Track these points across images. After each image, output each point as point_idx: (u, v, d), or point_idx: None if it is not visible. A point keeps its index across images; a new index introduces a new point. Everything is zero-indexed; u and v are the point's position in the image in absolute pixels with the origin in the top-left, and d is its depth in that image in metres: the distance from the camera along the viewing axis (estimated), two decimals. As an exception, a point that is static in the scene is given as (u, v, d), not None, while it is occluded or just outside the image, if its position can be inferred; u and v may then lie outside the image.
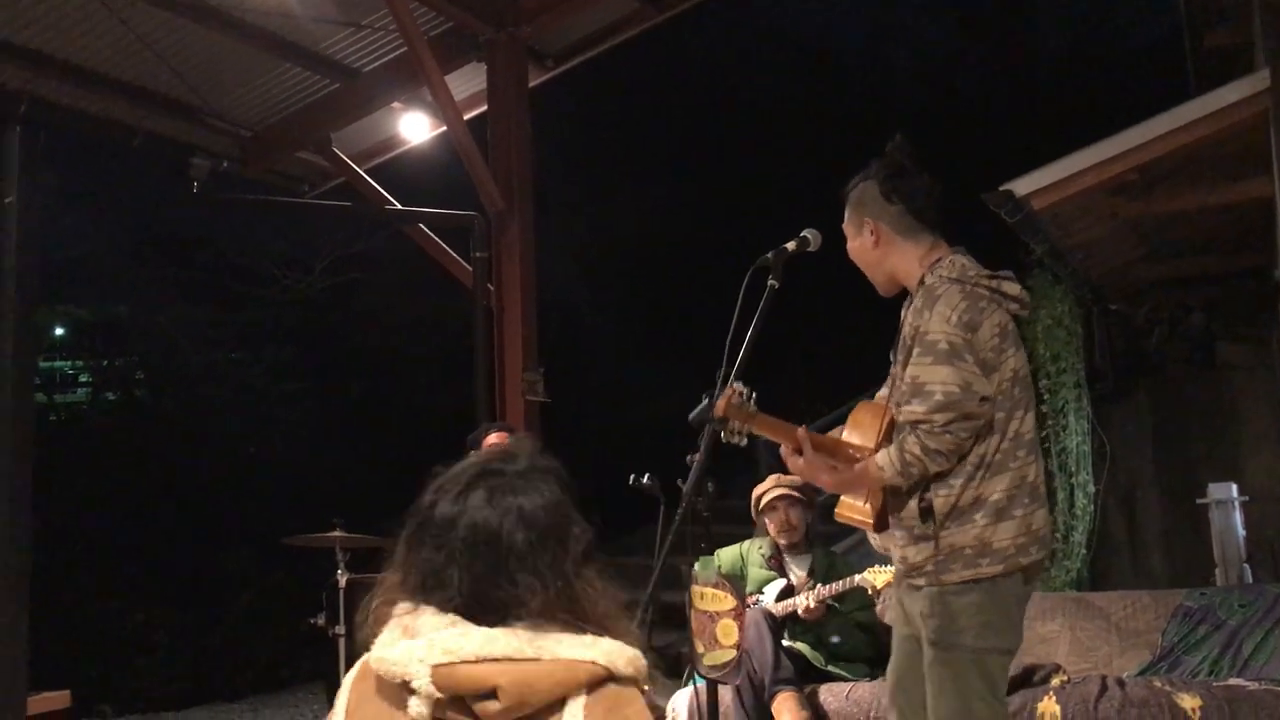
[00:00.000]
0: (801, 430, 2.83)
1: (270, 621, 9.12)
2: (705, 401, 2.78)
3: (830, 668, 4.59)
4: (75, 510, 9.47)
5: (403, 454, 10.91)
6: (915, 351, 2.73)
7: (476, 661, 1.50)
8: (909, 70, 13.16)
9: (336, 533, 5.20)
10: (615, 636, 1.59)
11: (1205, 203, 6.41)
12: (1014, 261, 7.61)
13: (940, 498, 2.73)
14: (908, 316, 2.89)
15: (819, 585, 4.60)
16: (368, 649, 1.62)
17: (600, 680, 1.53)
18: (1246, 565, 6.87)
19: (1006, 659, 2.82)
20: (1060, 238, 6.64)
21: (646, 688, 1.61)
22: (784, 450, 2.86)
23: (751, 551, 4.93)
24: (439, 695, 1.49)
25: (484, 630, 1.53)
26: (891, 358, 3.01)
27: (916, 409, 2.68)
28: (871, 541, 3.05)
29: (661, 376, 11.08)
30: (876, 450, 2.81)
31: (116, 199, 10.30)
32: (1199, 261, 8.18)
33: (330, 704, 4.82)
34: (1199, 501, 7.14)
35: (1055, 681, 4.18)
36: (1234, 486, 7.00)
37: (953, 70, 13.20)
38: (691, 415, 2.79)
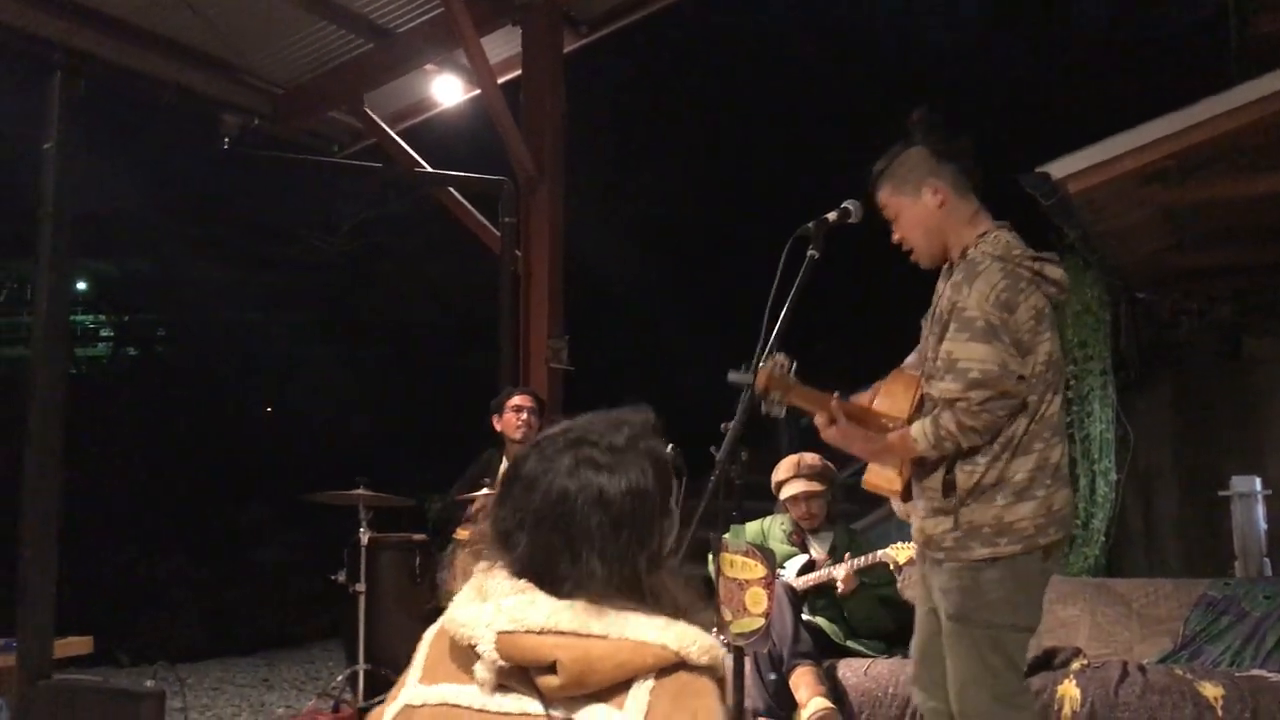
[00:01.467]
0: (835, 400, 2.83)
1: (288, 578, 9.19)
2: (744, 369, 2.76)
3: (850, 643, 4.60)
4: (95, 463, 9.53)
5: (426, 417, 10.99)
6: (952, 327, 2.72)
7: (540, 633, 1.46)
8: (943, 47, 13.03)
9: (360, 491, 5.22)
10: (674, 616, 1.53)
11: (1240, 192, 6.35)
12: (1044, 246, 7.59)
13: (964, 474, 2.74)
14: (944, 289, 2.87)
15: (851, 558, 4.60)
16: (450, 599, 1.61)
17: (671, 666, 1.47)
18: (1266, 559, 6.84)
19: (1025, 636, 2.84)
20: (1093, 223, 6.58)
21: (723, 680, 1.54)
22: (818, 419, 2.86)
23: (773, 527, 4.93)
24: (502, 663, 1.47)
25: (552, 601, 1.49)
26: (924, 326, 3.01)
27: (951, 386, 2.67)
28: (895, 509, 3.06)
29: (688, 349, 11.08)
30: (909, 421, 2.81)
31: (144, 153, 10.30)
32: (1228, 252, 8.10)
33: (349, 660, 4.85)
34: (1221, 494, 7.10)
35: (1075, 665, 4.17)
36: (1258, 480, 6.97)
37: (987, 48, 13.08)
38: (731, 376, 2.76)
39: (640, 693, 1.45)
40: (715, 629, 4.83)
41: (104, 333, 15.22)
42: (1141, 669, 4.05)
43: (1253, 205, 6.62)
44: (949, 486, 2.76)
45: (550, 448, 1.58)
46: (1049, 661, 4.22)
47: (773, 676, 4.35)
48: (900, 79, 12.05)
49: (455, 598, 1.58)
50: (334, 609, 6.40)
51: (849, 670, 4.37)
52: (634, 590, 1.52)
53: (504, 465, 5.51)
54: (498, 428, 5.49)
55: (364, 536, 5.20)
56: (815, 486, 4.72)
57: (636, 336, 11.42)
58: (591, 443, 1.57)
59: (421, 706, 1.53)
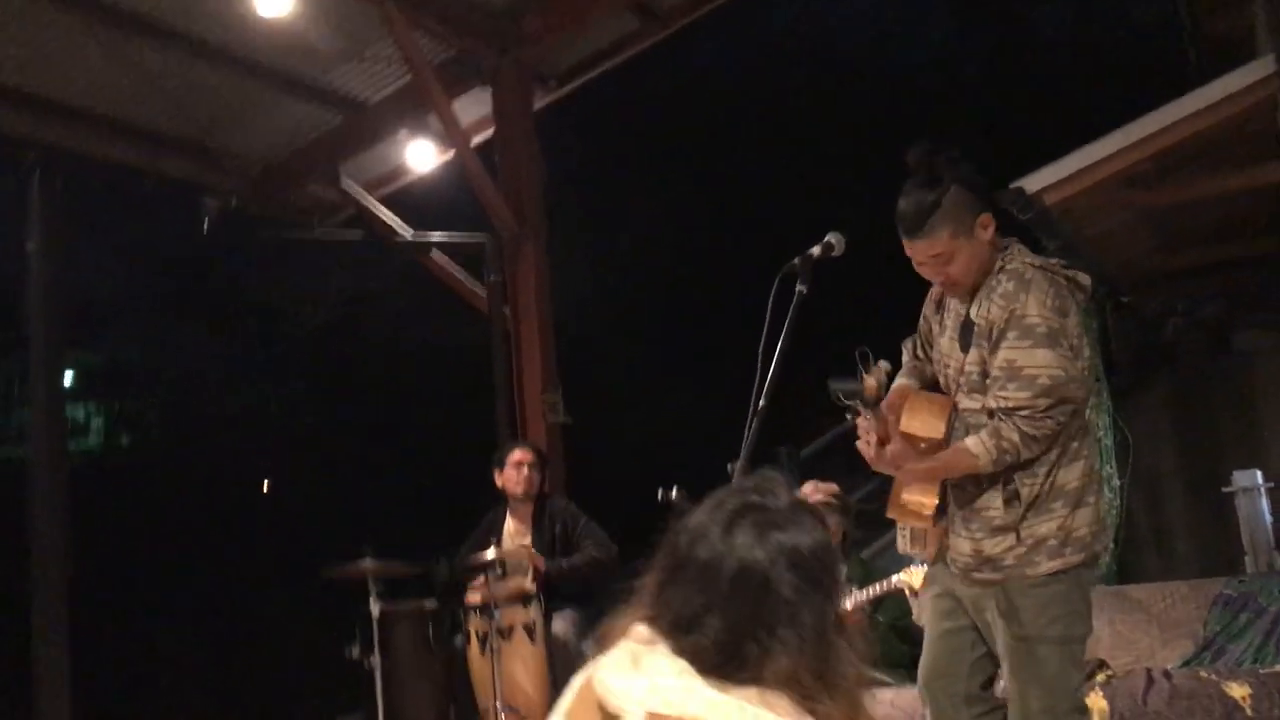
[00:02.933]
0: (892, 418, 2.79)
1: (302, 657, 9.10)
2: (846, 379, 2.71)
3: (879, 675, 4.56)
4: (95, 555, 9.46)
5: (425, 482, 10.96)
6: (1011, 335, 2.68)
7: None
8: (909, 70, 13.17)
9: (367, 563, 5.17)
10: (855, 712, 1.45)
11: (1217, 190, 6.41)
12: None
13: (1026, 486, 2.70)
14: (977, 305, 2.80)
15: (855, 590, 4.57)
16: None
17: None
18: (1276, 552, 6.81)
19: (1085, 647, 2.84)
20: (1073, 232, 6.63)
21: None
22: (866, 440, 2.80)
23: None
24: None
25: (711, 691, 1.40)
26: (908, 349, 3.05)
27: (1018, 394, 2.63)
28: (901, 545, 3.01)
29: (678, 391, 11.08)
30: (946, 441, 2.78)
31: (125, 241, 10.33)
32: (1211, 250, 8.16)
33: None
34: (1224, 490, 7.09)
35: (1100, 677, 4.15)
36: (1259, 473, 6.95)
37: (952, 69, 13.22)
38: (836, 386, 2.71)
39: None
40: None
41: (94, 423, 15.16)
42: (1166, 674, 4.03)
43: (1230, 201, 6.69)
44: (1011, 502, 2.71)
45: (717, 523, 1.48)
46: (1073, 675, 4.20)
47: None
48: (869, 109, 12.17)
49: (606, 656, 1.52)
50: (351, 684, 6.33)
51: (873, 702, 4.33)
52: (820, 658, 1.43)
53: (509, 522, 5.49)
54: (499, 484, 5.47)
55: (375, 608, 5.14)
56: (833, 499, 4.71)
57: (631, 382, 11.43)
58: (760, 507, 1.49)
59: None
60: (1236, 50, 6.97)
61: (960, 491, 2.79)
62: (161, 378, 13.08)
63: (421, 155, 7.36)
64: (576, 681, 1.55)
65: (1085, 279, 2.82)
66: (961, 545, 2.80)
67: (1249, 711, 3.70)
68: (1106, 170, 5.84)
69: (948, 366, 2.88)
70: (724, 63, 13.15)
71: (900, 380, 3.02)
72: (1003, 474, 2.70)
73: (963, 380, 2.79)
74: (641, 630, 1.50)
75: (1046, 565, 2.68)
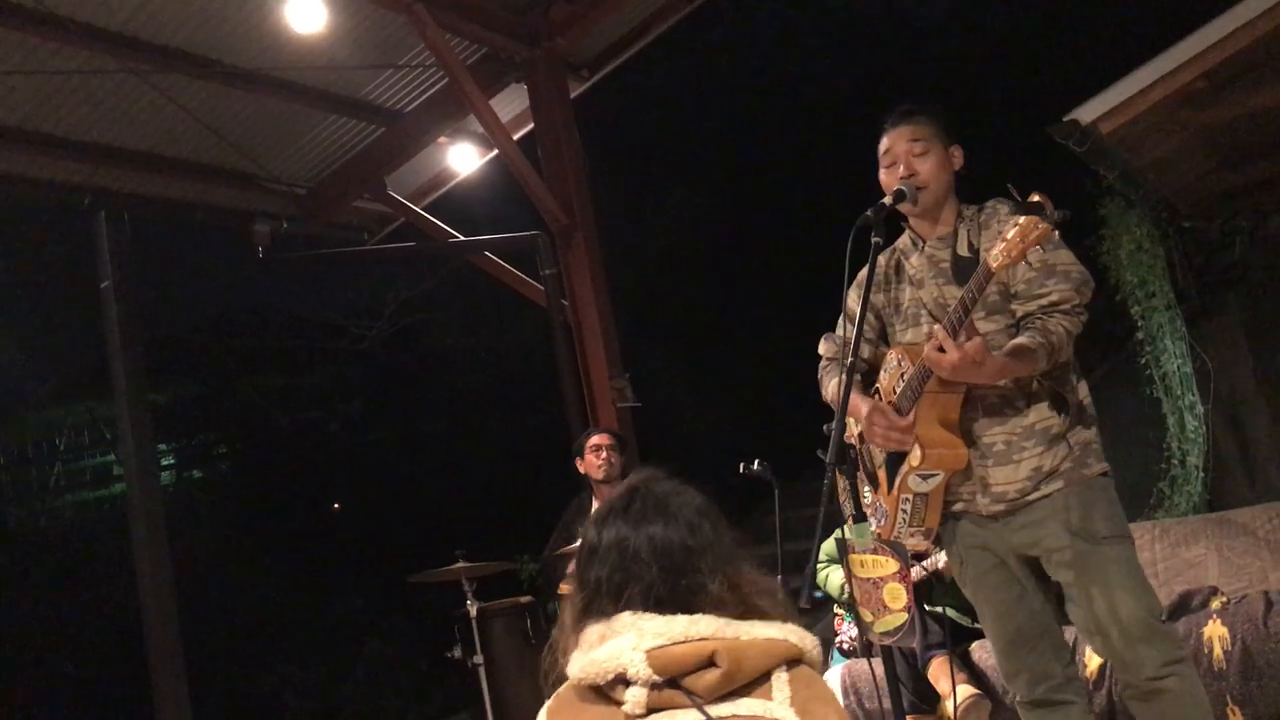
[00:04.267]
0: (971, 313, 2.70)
1: (401, 665, 9.21)
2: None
3: (977, 624, 4.50)
4: (189, 589, 9.62)
5: (502, 479, 11.01)
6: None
7: (686, 641, 1.61)
8: (947, 18, 12.93)
9: (459, 564, 5.21)
10: (780, 619, 1.72)
11: (1275, 100, 6.23)
12: (1083, 191, 7.50)
13: (1068, 393, 2.78)
14: (962, 241, 2.88)
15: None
16: (561, 681, 1.73)
17: (796, 658, 1.67)
18: (1371, 465, 6.65)
19: None
20: (1130, 160, 6.49)
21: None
22: (933, 344, 2.65)
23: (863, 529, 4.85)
24: (656, 678, 1.58)
25: (684, 616, 1.65)
26: (847, 340, 2.92)
27: (1060, 287, 2.72)
28: (896, 528, 2.91)
29: (731, 370, 11.02)
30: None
31: (180, 275, 10.49)
32: (1271, 164, 7.95)
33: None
34: (1312, 404, 6.92)
35: (1215, 604, 4.07)
36: (1346, 384, 6.78)
37: (985, 14, 12.93)
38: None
39: (780, 682, 1.63)
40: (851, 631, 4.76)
41: (165, 461, 15.41)
42: (1285, 596, 3.94)
43: (1288, 111, 6.50)
44: (1061, 407, 2.76)
45: (615, 512, 1.79)
46: (1187, 605, 4.12)
47: (909, 672, 4.28)
48: (901, 61, 12.01)
49: (571, 660, 1.69)
50: (448, 688, 6.39)
51: (984, 651, 4.28)
52: (734, 584, 1.72)
53: (595, 507, 5.50)
54: (582, 470, 5.50)
55: (472, 608, 5.18)
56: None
57: (696, 359, 11.39)
58: (644, 492, 1.79)
59: None
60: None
61: (1002, 419, 2.78)
62: (227, 409, 13.26)
63: (463, 158, 7.39)
64: (543, 711, 1.73)
65: None
66: (1014, 472, 2.76)
67: (1377, 623, 3.60)
68: (1159, 92, 5.70)
69: (933, 313, 2.87)
70: (753, 34, 13.05)
71: (855, 396, 2.89)
72: (1041, 386, 2.77)
73: (977, 308, 2.71)
74: (593, 629, 1.69)
75: (1097, 466, 2.79)
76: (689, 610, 1.66)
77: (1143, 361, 7.30)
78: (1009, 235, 2.44)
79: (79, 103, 5.80)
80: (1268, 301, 8.74)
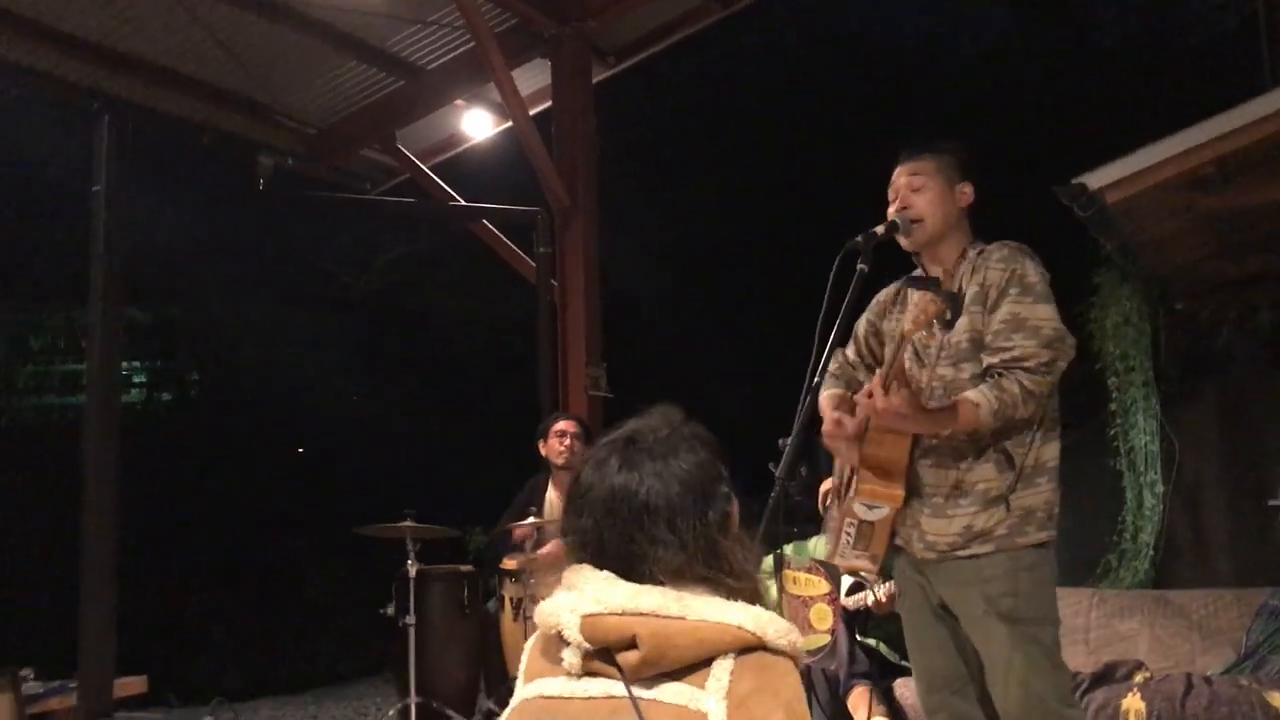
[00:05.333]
0: (903, 363, 2.78)
1: (335, 614, 9.20)
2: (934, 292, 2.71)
3: (904, 661, 4.54)
4: (137, 507, 9.59)
5: (468, 449, 11.01)
6: (1013, 292, 2.74)
7: (622, 614, 1.52)
8: (970, 61, 13.04)
9: (408, 523, 5.21)
10: (757, 598, 1.60)
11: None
12: (1074, 257, 7.55)
13: (1017, 454, 2.73)
14: (956, 281, 2.88)
15: (889, 580, 4.56)
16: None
17: (750, 646, 1.52)
18: (1319, 568, 6.70)
19: None
20: (1131, 233, 6.53)
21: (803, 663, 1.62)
22: (866, 390, 2.76)
23: (819, 546, 4.89)
24: (587, 645, 1.52)
25: (633, 584, 1.56)
26: (854, 352, 3.10)
27: (1025, 343, 2.67)
28: (838, 551, 2.91)
29: (726, 372, 11.04)
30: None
31: (177, 196, 10.43)
32: (1267, 259, 8.01)
33: (400, 695, 4.85)
34: (1270, 503, 6.98)
35: (1138, 678, 4.13)
36: (1307, 488, 6.85)
37: (1013, 63, 13.05)
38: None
39: (721, 671, 1.50)
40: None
41: (137, 379, 15.35)
42: (1207, 680, 4.00)
43: (1292, 210, 6.55)
44: (1004, 468, 2.71)
45: (601, 454, 1.68)
46: (1111, 675, 4.18)
47: (829, 697, 4.30)
48: (926, 93, 12.07)
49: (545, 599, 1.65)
50: (381, 644, 6.39)
51: (907, 689, 4.32)
52: (711, 554, 1.60)
53: (550, 491, 5.52)
54: (543, 453, 5.51)
55: (411, 569, 5.18)
56: None
57: (675, 361, 11.42)
58: (635, 439, 1.67)
59: (521, 704, 1.60)
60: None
61: (944, 471, 2.77)
62: (206, 336, 13.21)
63: (478, 124, 7.38)
64: (530, 641, 1.70)
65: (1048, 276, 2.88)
66: (946, 526, 2.76)
67: (1291, 722, 3.65)
68: (1170, 171, 5.73)
69: (919, 353, 2.90)
70: (782, 46, 13.08)
71: (831, 390, 3.02)
72: (992, 443, 2.72)
73: (946, 354, 2.81)
74: (569, 571, 1.65)
75: (1035, 535, 2.71)
76: (639, 574, 1.58)
77: (1112, 433, 7.36)
78: (915, 302, 2.54)
79: (98, 5, 5.78)
80: (1244, 394, 8.81)
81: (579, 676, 1.54)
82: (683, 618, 1.52)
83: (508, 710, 1.63)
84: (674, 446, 1.66)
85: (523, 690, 1.62)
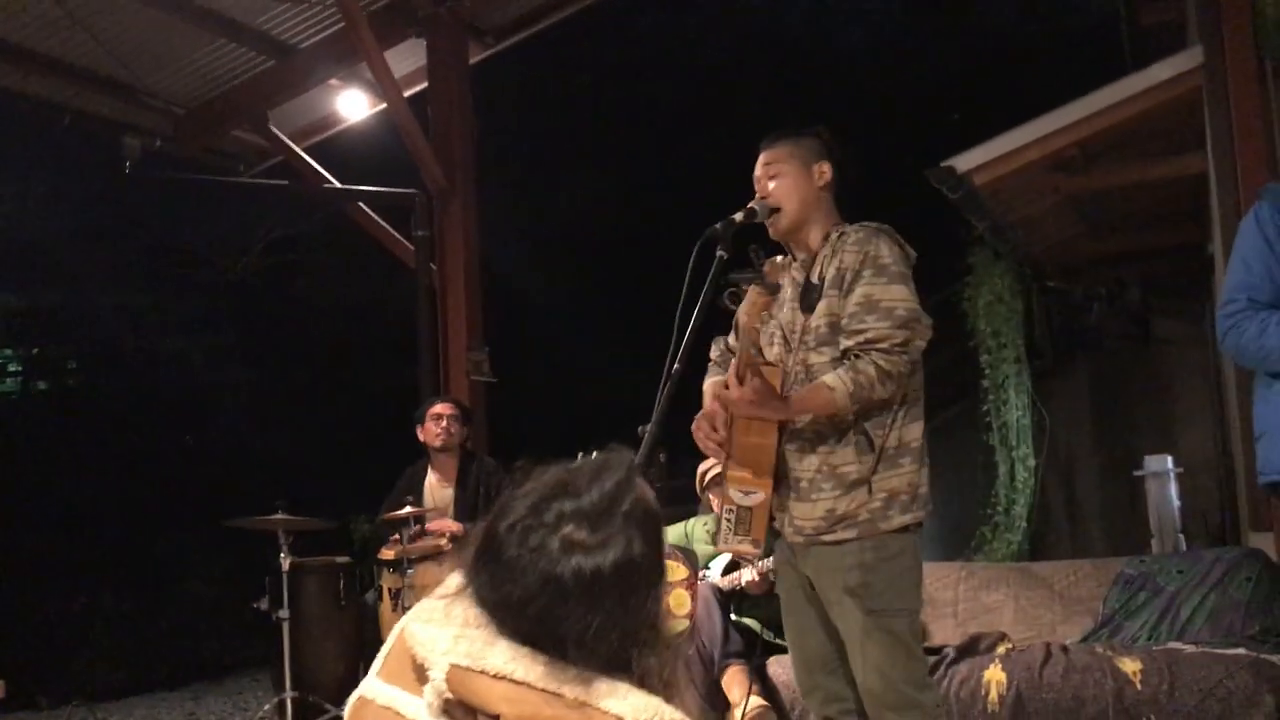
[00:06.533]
0: (749, 355, 2.75)
1: (212, 608, 8.99)
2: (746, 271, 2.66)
3: (778, 640, 4.60)
4: (9, 500, 9.25)
5: (348, 436, 10.84)
6: (866, 274, 2.74)
7: (495, 677, 1.41)
8: (851, 49, 13.22)
9: (279, 515, 5.11)
10: (633, 690, 1.45)
11: (1143, 178, 6.52)
12: (954, 238, 7.73)
13: (877, 436, 2.73)
14: (818, 267, 2.87)
15: (763, 559, 4.61)
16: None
17: None
18: (1181, 535, 7.01)
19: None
20: (1001, 214, 6.72)
21: None
22: (723, 381, 2.80)
23: (696, 528, 4.93)
24: (449, 695, 1.42)
25: (513, 648, 1.43)
26: (725, 345, 3.07)
27: (878, 325, 2.67)
28: (722, 536, 2.89)
29: (607, 354, 11.06)
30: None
31: (46, 180, 10.03)
32: (1136, 237, 8.32)
33: (277, 689, 4.73)
34: (1136, 474, 7.27)
35: (1001, 650, 4.23)
36: (1169, 459, 7.13)
37: (895, 48, 13.27)
38: (737, 276, 2.67)
39: None
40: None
41: (11, 367, 14.76)
42: (1064, 649, 4.12)
43: (1154, 190, 6.81)
44: (864, 450, 2.72)
45: (529, 519, 1.49)
46: (974, 648, 4.27)
47: (704, 677, 4.34)
48: (812, 80, 12.19)
49: (420, 604, 1.56)
50: (260, 638, 6.27)
51: (779, 667, 4.37)
52: (621, 653, 1.45)
53: (430, 476, 5.46)
54: (421, 439, 5.45)
55: (285, 562, 5.07)
56: None
57: (555, 344, 11.39)
58: (574, 515, 1.48)
59: (372, 702, 1.52)
60: (1170, 42, 7.08)
61: (807, 456, 2.78)
62: (82, 322, 12.75)
63: (353, 105, 7.24)
64: (395, 629, 1.57)
65: (913, 253, 2.88)
66: (810, 510, 2.77)
67: (1139, 686, 3.78)
68: (1034, 153, 5.91)
69: (787, 337, 2.90)
70: (665, 29, 13.08)
71: (713, 377, 3.02)
72: (852, 425, 2.73)
73: (808, 339, 2.82)
74: (456, 578, 1.53)
75: (899, 519, 2.72)
76: (533, 644, 1.43)
77: (984, 409, 7.57)
78: (746, 294, 2.54)
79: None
80: (1115, 367, 9.15)
81: (437, 714, 1.45)
82: (559, 694, 1.40)
83: (358, 694, 1.54)
84: (607, 537, 1.47)
85: (379, 687, 1.52)
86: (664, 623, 1.51)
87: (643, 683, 1.45)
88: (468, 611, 1.48)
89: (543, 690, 1.40)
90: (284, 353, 12.13)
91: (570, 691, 1.40)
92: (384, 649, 1.57)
